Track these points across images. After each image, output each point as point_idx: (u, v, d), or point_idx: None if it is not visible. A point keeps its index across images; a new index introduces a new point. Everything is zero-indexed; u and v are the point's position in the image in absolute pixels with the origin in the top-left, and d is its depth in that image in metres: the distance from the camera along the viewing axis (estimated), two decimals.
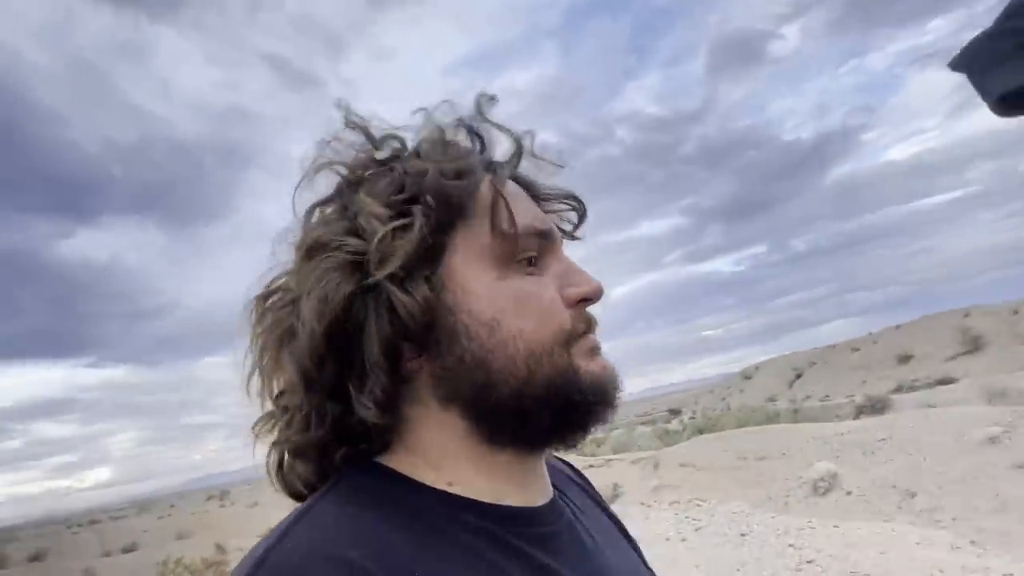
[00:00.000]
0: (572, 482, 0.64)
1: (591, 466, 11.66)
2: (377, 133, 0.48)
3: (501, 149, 0.51)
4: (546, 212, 0.52)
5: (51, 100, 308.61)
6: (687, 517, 7.40)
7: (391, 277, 0.42)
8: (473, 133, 0.50)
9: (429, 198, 0.44)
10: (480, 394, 0.44)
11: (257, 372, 0.47)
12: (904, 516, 6.25)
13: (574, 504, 0.56)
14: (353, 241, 0.43)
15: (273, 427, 0.47)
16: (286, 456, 0.47)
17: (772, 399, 38.63)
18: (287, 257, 0.48)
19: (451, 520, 0.42)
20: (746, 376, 61.56)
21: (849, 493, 7.28)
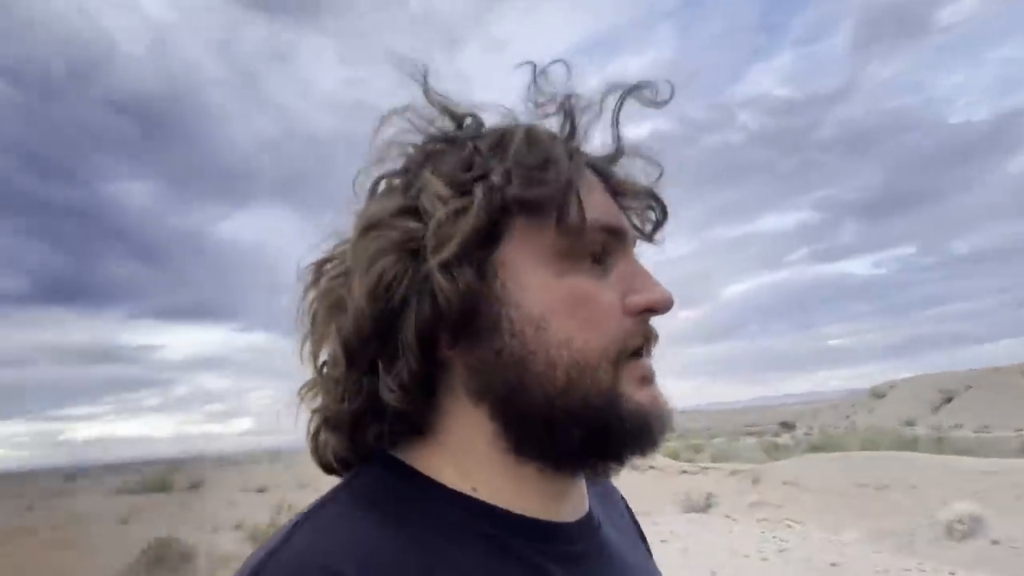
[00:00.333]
0: (616, 502, 0.60)
1: (685, 472, 11.17)
2: (456, 109, 0.46)
3: (595, 138, 0.47)
4: (623, 208, 0.47)
5: (218, 102, 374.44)
6: (774, 537, 6.84)
7: (440, 268, 0.40)
8: (566, 117, 0.46)
9: (496, 179, 0.41)
10: (511, 395, 0.41)
11: (308, 338, 0.46)
12: None
13: (612, 525, 0.52)
14: (411, 224, 0.41)
15: (316, 394, 0.46)
16: (321, 426, 0.46)
17: (909, 423, 33.77)
18: (348, 227, 0.45)
19: (468, 530, 0.39)
20: (878, 394, 54.41)
21: (996, 543, 6.21)
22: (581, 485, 0.48)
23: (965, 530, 6.47)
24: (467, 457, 0.42)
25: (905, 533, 6.96)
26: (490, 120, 0.46)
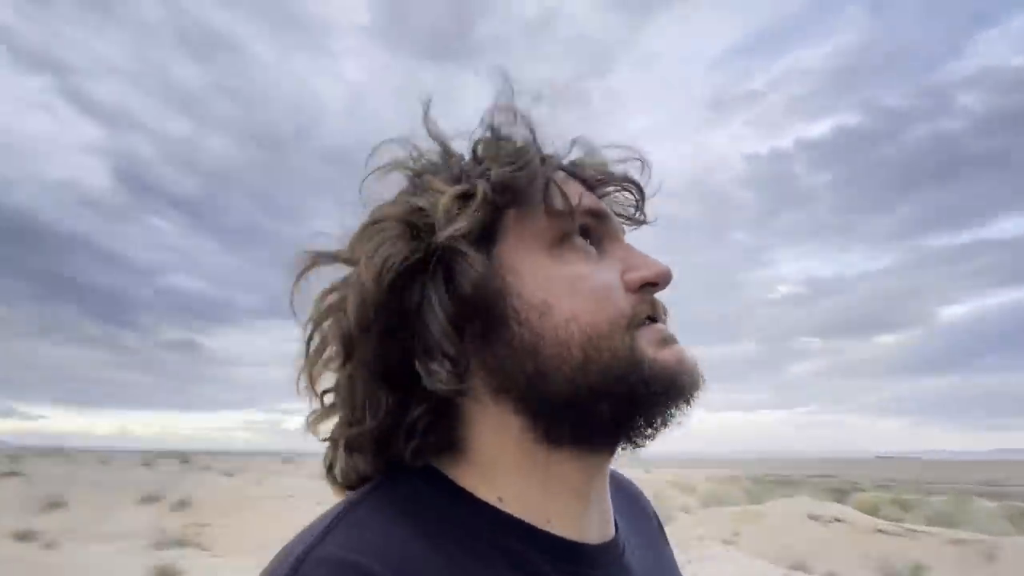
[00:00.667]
0: (643, 513, 0.60)
1: (880, 531, 9.17)
2: (445, 138, 0.48)
3: (561, 142, 0.50)
4: (606, 193, 0.50)
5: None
6: None
7: (452, 250, 0.41)
8: (528, 127, 0.47)
9: (486, 182, 0.43)
10: (533, 384, 0.41)
11: (304, 367, 0.45)
12: None
13: (638, 542, 0.52)
14: (416, 207, 0.43)
15: (326, 421, 0.46)
16: (341, 450, 0.45)
17: None
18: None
19: (493, 544, 0.39)
20: None
21: None
22: (607, 506, 0.48)
23: None
24: (496, 465, 0.42)
25: None
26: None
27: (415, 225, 0.42)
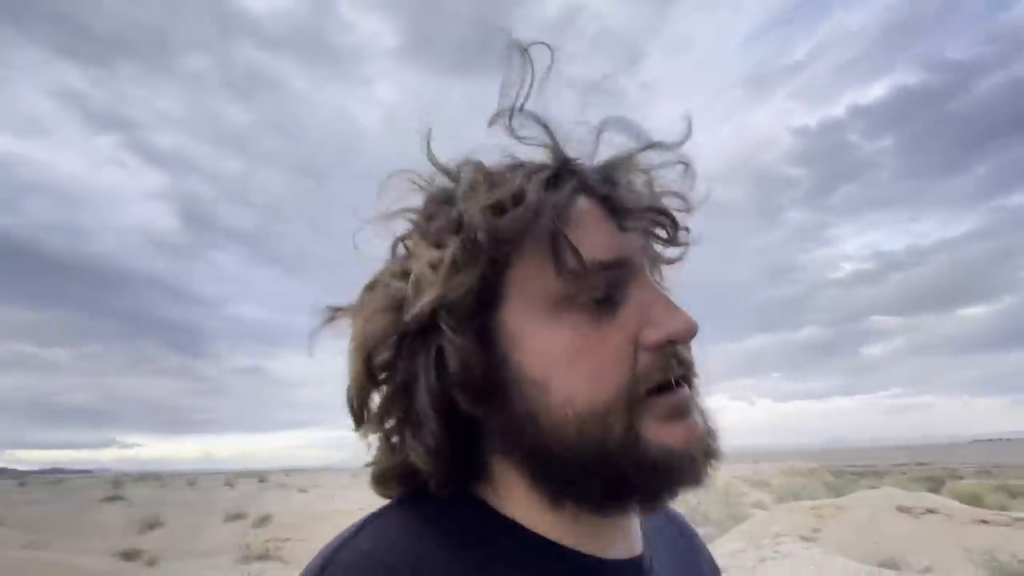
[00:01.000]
0: (685, 541, 0.57)
1: (983, 521, 8.42)
2: (448, 166, 0.45)
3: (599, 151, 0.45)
4: (630, 229, 0.43)
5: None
6: None
7: (439, 326, 0.40)
8: (550, 146, 0.44)
9: (473, 236, 0.39)
10: (533, 451, 0.41)
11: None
12: None
13: (671, 570, 0.50)
14: (396, 284, 0.42)
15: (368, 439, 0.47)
16: (375, 479, 0.46)
17: None
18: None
19: (511, 555, 0.40)
20: None
21: None
22: (631, 525, 0.47)
23: None
24: (510, 498, 0.43)
25: None
26: (491, 158, 0.45)
27: (399, 297, 0.41)
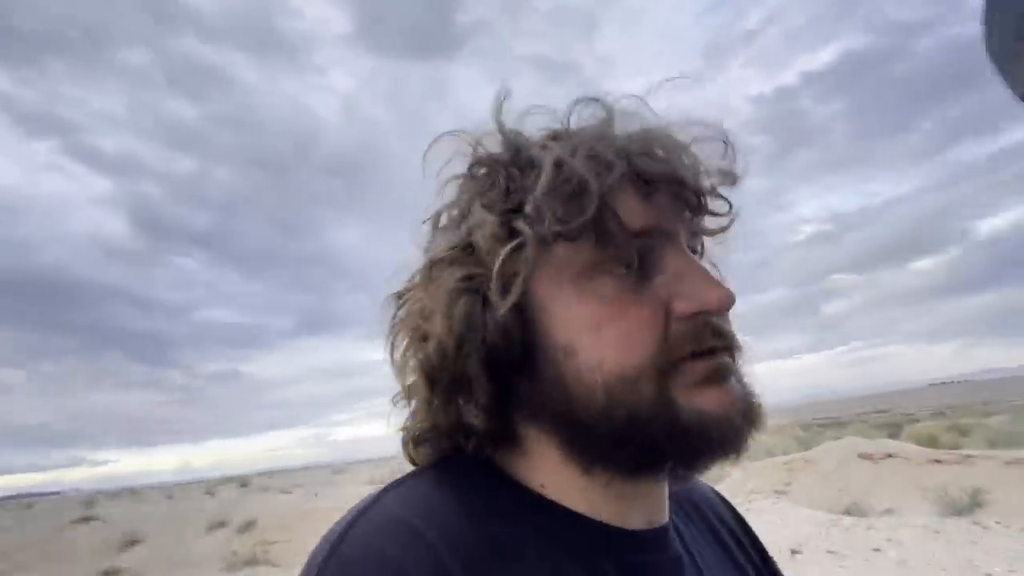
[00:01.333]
0: (715, 517, 0.57)
1: (936, 461, 9.00)
2: (502, 128, 0.46)
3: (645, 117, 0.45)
4: (672, 201, 0.43)
5: (394, 146, 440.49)
6: None
7: (487, 296, 0.42)
8: (604, 115, 0.45)
9: (534, 214, 0.41)
10: (563, 418, 0.42)
11: (392, 361, 0.48)
12: None
13: (695, 542, 0.50)
14: (470, 266, 0.43)
15: (403, 408, 0.49)
16: (411, 441, 0.48)
17: None
18: (415, 259, 0.48)
19: (532, 523, 0.41)
20: None
21: None
22: (659, 494, 0.46)
23: None
24: (542, 466, 0.44)
25: None
26: (542, 123, 0.46)
27: (470, 279, 0.43)
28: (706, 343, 0.40)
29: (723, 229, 0.47)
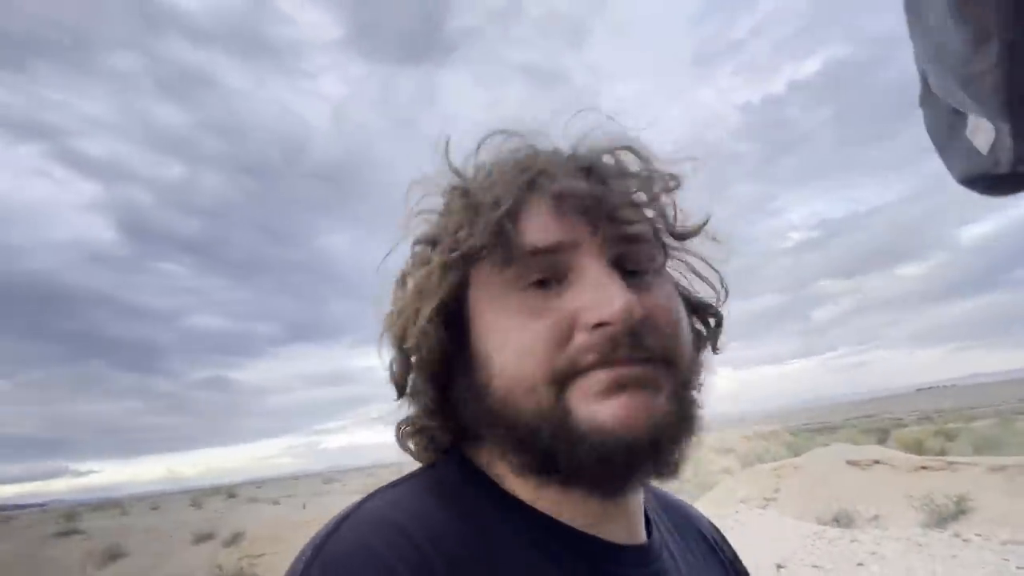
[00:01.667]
0: (698, 535, 0.58)
1: (922, 467, 9.08)
2: (461, 169, 0.49)
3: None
4: (577, 213, 0.44)
5: (384, 152, 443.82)
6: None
7: (428, 316, 0.46)
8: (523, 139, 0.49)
9: (445, 242, 0.46)
10: (487, 423, 0.44)
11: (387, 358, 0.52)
12: None
13: (684, 560, 0.51)
14: (399, 293, 0.50)
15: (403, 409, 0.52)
16: (405, 432, 0.51)
17: None
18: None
19: (515, 528, 0.43)
20: None
21: None
22: (633, 511, 0.48)
23: None
24: (505, 470, 0.46)
25: None
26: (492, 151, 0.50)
27: (403, 295, 0.49)
28: (615, 353, 0.40)
29: (655, 234, 0.48)
